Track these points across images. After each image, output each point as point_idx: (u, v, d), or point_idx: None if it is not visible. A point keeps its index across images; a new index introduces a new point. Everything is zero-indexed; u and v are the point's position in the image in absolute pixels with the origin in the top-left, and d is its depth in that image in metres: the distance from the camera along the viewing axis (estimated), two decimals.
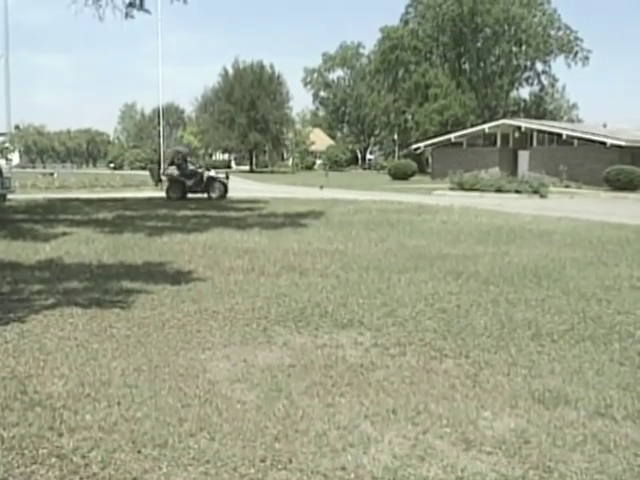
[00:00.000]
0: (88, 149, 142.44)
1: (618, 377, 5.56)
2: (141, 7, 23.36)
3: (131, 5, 23.13)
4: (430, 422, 4.63)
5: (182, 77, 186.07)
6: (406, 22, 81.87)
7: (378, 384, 5.33)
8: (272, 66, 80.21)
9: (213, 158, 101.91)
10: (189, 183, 27.94)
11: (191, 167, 29.40)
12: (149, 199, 27.45)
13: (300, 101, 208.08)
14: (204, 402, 4.93)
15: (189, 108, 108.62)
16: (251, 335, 6.71)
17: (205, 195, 28.08)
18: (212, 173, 29.48)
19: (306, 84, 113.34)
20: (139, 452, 4.16)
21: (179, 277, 9.74)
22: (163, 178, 29.01)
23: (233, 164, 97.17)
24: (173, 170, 28.35)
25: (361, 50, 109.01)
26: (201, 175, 28.49)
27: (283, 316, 7.42)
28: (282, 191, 34.97)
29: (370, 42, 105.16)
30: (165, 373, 5.55)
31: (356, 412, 4.79)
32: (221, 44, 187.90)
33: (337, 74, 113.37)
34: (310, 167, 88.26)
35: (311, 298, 8.32)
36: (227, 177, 29.39)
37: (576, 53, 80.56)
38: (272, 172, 78.26)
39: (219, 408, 4.82)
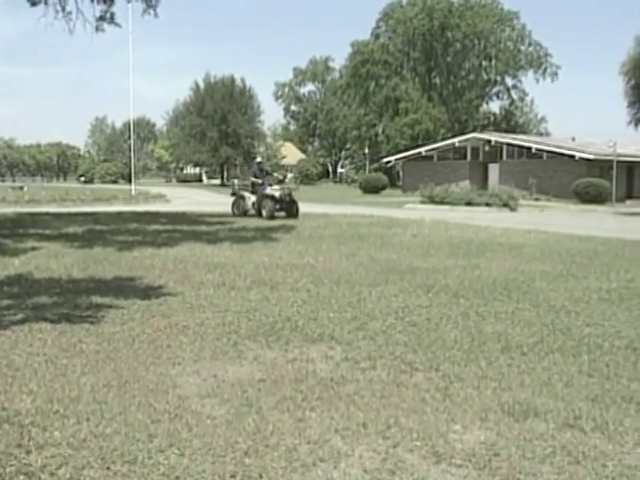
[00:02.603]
0: (59, 163, 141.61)
1: (587, 389, 5.60)
2: (111, 21, 23.36)
3: (101, 19, 23.09)
4: (400, 436, 4.63)
5: (153, 91, 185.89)
6: (377, 36, 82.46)
7: (348, 398, 5.33)
8: (243, 80, 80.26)
9: (184, 172, 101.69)
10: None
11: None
12: (119, 213, 27.26)
13: (271, 115, 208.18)
14: (174, 418, 4.90)
15: (160, 122, 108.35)
16: (221, 350, 6.68)
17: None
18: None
19: (277, 98, 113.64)
20: (108, 469, 4.12)
21: (149, 292, 9.68)
22: (247, 195, 25.24)
23: (204, 178, 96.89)
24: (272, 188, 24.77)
25: (331, 64, 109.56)
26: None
27: (253, 330, 7.40)
28: None
29: (340, 56, 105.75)
30: (135, 389, 5.51)
31: (326, 426, 4.78)
32: (192, 58, 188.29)
33: (308, 88, 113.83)
34: (281, 181, 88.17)
35: (282, 312, 8.31)
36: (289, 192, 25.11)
37: (545, 69, 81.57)
38: None
39: (189, 423, 4.79)
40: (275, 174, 27.52)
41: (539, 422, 4.90)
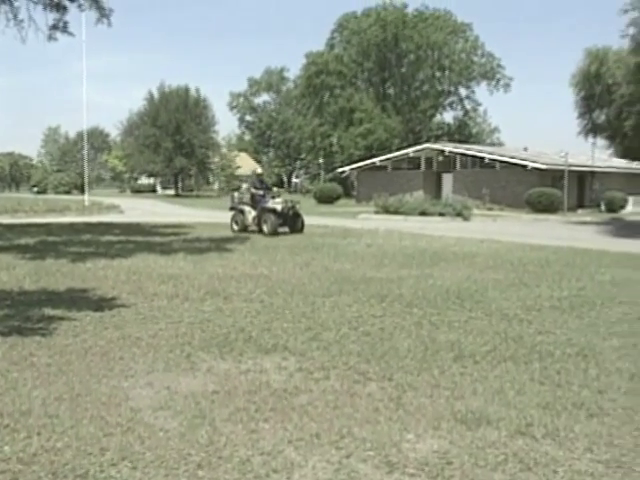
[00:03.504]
0: (11, 173, 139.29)
1: (538, 396, 5.68)
2: (64, 29, 23.05)
3: (54, 27, 22.81)
4: (354, 446, 4.65)
5: (107, 100, 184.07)
6: (331, 47, 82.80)
7: (302, 409, 5.33)
8: (198, 90, 79.99)
9: (138, 182, 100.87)
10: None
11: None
12: (72, 224, 26.92)
13: (226, 125, 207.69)
14: (126, 431, 4.86)
15: (114, 132, 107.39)
16: (174, 361, 6.64)
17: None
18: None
19: (232, 108, 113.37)
20: None
21: (102, 303, 9.58)
22: (247, 210, 23.16)
23: (159, 188, 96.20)
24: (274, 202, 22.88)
25: (286, 74, 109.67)
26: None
27: (207, 342, 7.37)
28: (208, 215, 34.77)
29: (296, 67, 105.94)
30: (87, 402, 5.45)
31: (280, 437, 4.78)
32: (147, 67, 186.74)
33: (263, 98, 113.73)
34: (236, 191, 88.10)
35: (235, 323, 8.29)
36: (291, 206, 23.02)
37: (498, 80, 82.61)
38: (198, 196, 77.79)
39: (141, 436, 4.76)
40: (275, 189, 25.30)
41: (491, 430, 4.95)
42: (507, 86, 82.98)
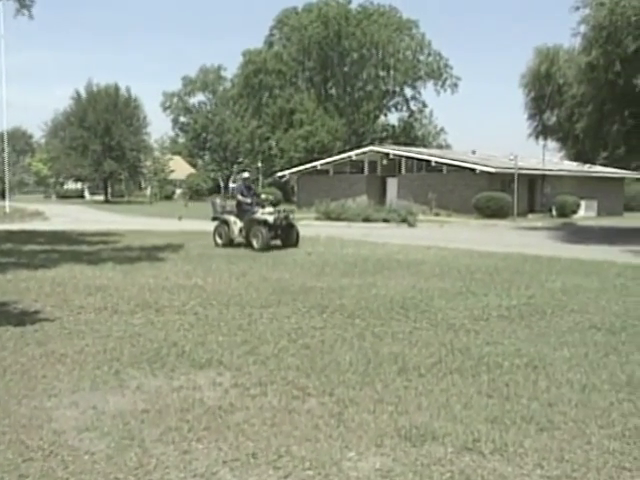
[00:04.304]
0: None
1: (486, 410, 5.74)
2: None
3: None
4: (292, 465, 4.65)
5: (30, 99, 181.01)
6: (270, 44, 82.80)
7: (237, 427, 5.31)
8: (128, 89, 79.09)
9: (65, 187, 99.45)
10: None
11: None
12: None
13: (159, 127, 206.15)
14: (48, 455, 4.78)
15: (38, 133, 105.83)
16: (102, 379, 6.56)
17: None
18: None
19: (165, 109, 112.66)
20: None
21: (24, 318, 9.40)
22: (232, 220, 21.19)
23: (87, 194, 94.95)
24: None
25: (223, 73, 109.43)
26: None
27: (137, 357, 7.30)
28: (139, 223, 34.45)
29: (233, 65, 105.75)
30: (5, 425, 5.34)
31: (214, 458, 4.76)
32: (73, 65, 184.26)
33: (198, 98, 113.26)
34: (169, 197, 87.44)
35: (167, 337, 8.23)
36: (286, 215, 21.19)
37: (445, 80, 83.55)
38: (129, 202, 76.98)
39: (65, 460, 4.69)
40: (263, 195, 22.87)
41: (437, 446, 4.98)
42: (454, 86, 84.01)
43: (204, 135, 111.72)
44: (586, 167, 40.75)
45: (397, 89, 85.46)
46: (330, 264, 15.91)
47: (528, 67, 34.55)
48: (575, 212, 48.07)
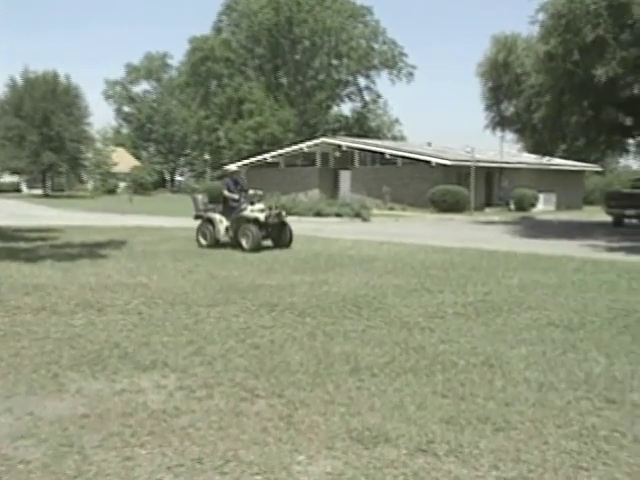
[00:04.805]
0: None
1: (441, 410, 5.77)
2: None
3: None
4: (239, 470, 4.64)
5: None
6: (218, 31, 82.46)
7: (183, 431, 5.29)
8: (68, 77, 78.18)
9: (0, 181, 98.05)
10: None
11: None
12: None
13: (101, 117, 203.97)
14: None
15: None
16: (39, 383, 6.47)
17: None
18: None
19: (108, 98, 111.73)
20: None
21: None
22: (218, 218, 20.02)
23: (24, 187, 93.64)
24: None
25: (169, 61, 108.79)
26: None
27: (77, 360, 7.22)
28: (80, 218, 34.11)
29: (179, 52, 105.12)
30: None
31: (157, 464, 4.73)
32: (7, 49, 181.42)
33: (142, 87, 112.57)
34: (112, 191, 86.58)
35: (109, 338, 8.15)
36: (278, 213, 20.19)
37: (400, 69, 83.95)
38: (69, 196, 76.05)
39: None
40: (251, 191, 21.10)
41: (390, 448, 5.00)
42: (410, 75, 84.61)
43: (149, 126, 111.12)
44: (545, 159, 41.14)
45: (350, 78, 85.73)
46: (280, 261, 15.91)
47: (485, 56, 34.79)
48: (533, 206, 48.58)
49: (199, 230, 20.23)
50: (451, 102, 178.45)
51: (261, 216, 19.22)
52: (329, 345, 7.91)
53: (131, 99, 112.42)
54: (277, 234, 19.76)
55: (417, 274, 13.88)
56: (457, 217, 38.78)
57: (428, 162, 44.75)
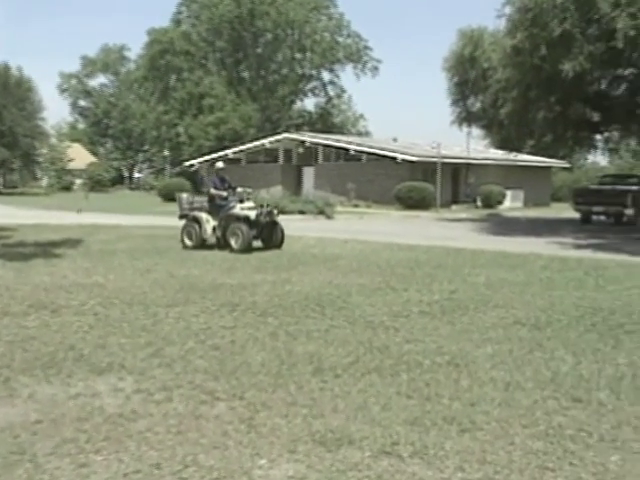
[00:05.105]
0: None
1: (405, 411, 5.79)
2: None
3: None
4: (199, 476, 4.62)
5: None
6: (178, 23, 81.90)
7: (140, 436, 5.25)
8: (20, 69, 77.38)
9: None
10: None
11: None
12: None
13: (56, 112, 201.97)
14: None
15: None
16: None
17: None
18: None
19: (62, 91, 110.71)
20: None
21: None
22: (204, 218, 19.31)
23: None
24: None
25: (126, 54, 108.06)
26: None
27: (30, 363, 7.14)
28: (34, 216, 33.69)
29: (137, 44, 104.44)
30: None
31: (113, 471, 4.69)
32: None
33: (99, 80, 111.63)
34: (68, 188, 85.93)
35: (64, 340, 8.08)
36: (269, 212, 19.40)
37: (365, 63, 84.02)
38: (23, 194, 75.28)
39: None
40: (239, 188, 20.32)
41: (353, 451, 5.01)
42: (375, 70, 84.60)
43: (106, 121, 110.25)
44: (512, 155, 41.47)
45: (314, 73, 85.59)
46: (241, 259, 15.89)
47: (452, 50, 34.90)
48: (501, 203, 48.91)
49: (184, 230, 19.52)
50: (417, 97, 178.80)
51: (252, 214, 18.65)
52: (292, 345, 7.90)
53: (87, 93, 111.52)
54: (268, 234, 19.07)
55: (382, 272, 13.92)
56: (423, 214, 38.93)
57: (393, 158, 44.88)
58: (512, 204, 50.50)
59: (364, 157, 47.30)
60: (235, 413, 5.75)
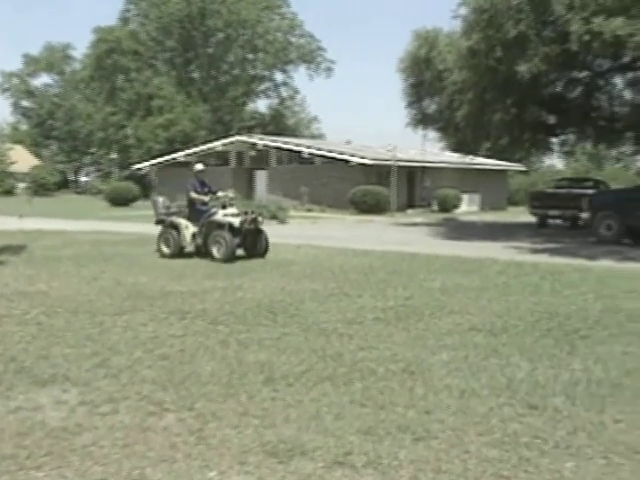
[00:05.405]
0: None
1: (359, 420, 5.80)
2: None
3: None
4: None
5: None
6: (125, 21, 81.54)
7: (84, 450, 5.20)
8: None
9: None
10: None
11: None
12: None
13: None
14: None
15: None
16: None
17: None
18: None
19: (4, 91, 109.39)
20: None
21: None
22: (183, 224, 18.46)
23: None
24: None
25: (72, 52, 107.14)
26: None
27: None
28: None
29: (83, 43, 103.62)
30: None
31: None
32: None
33: (43, 80, 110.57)
34: (10, 192, 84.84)
35: (5, 351, 7.97)
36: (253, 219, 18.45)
37: (319, 63, 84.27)
38: None
39: None
40: (221, 192, 19.30)
41: (306, 462, 5.01)
42: (329, 70, 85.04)
43: (50, 122, 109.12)
44: (468, 158, 41.75)
45: (266, 73, 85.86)
46: (191, 265, 15.84)
47: (407, 51, 35.03)
48: (457, 207, 49.20)
49: (161, 237, 18.66)
50: (372, 99, 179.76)
51: (236, 221, 17.76)
52: (243, 354, 7.88)
53: (30, 93, 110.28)
54: (252, 242, 18.19)
55: (336, 278, 13.94)
56: (378, 219, 39.02)
57: (347, 161, 44.89)
58: (468, 208, 50.83)
59: (318, 160, 47.30)
60: (184, 424, 5.72)
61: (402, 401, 6.29)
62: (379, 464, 4.97)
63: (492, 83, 26.75)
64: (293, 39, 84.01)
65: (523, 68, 23.81)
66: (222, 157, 53.52)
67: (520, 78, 24.27)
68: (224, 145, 52.43)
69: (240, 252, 17.85)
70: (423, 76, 34.45)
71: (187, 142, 65.36)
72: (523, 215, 38.78)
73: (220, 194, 19.07)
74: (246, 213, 18.46)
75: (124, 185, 59.04)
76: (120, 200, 54.56)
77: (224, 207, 18.35)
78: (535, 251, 21.38)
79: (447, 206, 48.28)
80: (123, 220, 35.63)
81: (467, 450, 5.23)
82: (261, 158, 50.80)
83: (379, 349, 8.18)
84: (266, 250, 18.15)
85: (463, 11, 27.01)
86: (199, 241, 18.03)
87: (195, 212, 18.50)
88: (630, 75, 30.39)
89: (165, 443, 5.34)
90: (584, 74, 30.29)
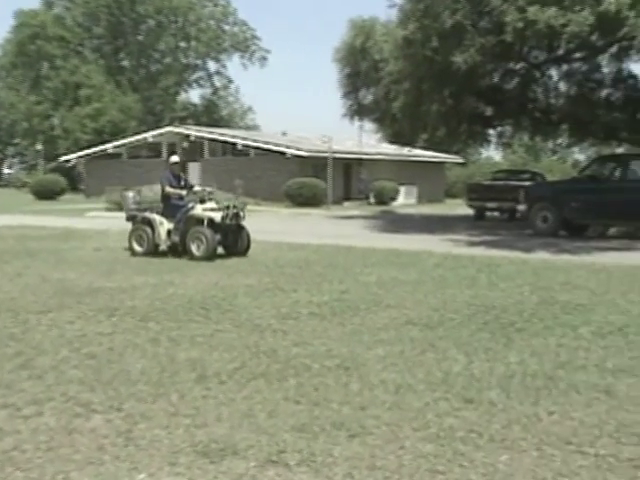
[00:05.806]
0: None
1: (293, 418, 5.81)
2: None
3: None
4: None
5: None
6: (49, 5, 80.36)
7: (5, 455, 5.11)
8: None
9: None
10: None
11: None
12: None
13: None
14: None
15: None
16: None
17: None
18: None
19: None
20: None
21: None
22: (157, 220, 17.52)
23: None
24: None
25: None
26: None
27: None
28: None
29: (2, 28, 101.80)
30: None
31: None
32: None
33: None
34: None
35: None
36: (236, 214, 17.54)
37: (253, 52, 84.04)
38: None
39: None
40: (197, 187, 18.67)
41: (238, 461, 5.00)
42: (263, 60, 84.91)
43: None
44: (405, 150, 42.03)
45: (199, 62, 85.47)
46: (121, 261, 15.72)
47: (343, 41, 35.14)
48: (394, 199, 49.47)
49: (133, 234, 17.78)
50: (308, 89, 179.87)
51: (217, 217, 16.88)
52: (174, 351, 7.84)
53: None
54: (233, 239, 17.38)
55: (270, 273, 13.95)
56: (314, 212, 39.07)
57: (283, 153, 44.89)
58: (406, 200, 51.11)
59: (252, 152, 47.22)
60: (112, 426, 5.67)
61: (337, 397, 6.31)
62: (313, 462, 4.98)
63: (429, 73, 26.89)
64: (227, 27, 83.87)
65: (459, 59, 23.98)
66: (154, 149, 53.08)
67: (456, 69, 24.42)
68: (155, 136, 52.01)
69: (220, 250, 17.16)
70: (359, 66, 34.59)
71: (116, 133, 64.73)
72: (461, 207, 39.16)
73: (197, 188, 18.37)
74: (227, 207, 17.48)
75: (50, 178, 58.22)
76: (46, 193, 53.85)
77: (202, 201, 17.39)
78: (472, 244, 21.62)
79: (384, 199, 48.52)
80: (49, 214, 35.25)
81: (402, 446, 5.26)
82: (194, 150, 50.50)
83: (314, 345, 8.19)
84: (248, 248, 17.46)
85: (399, 0, 27.13)
86: (176, 238, 17.11)
87: (170, 207, 17.52)
88: (565, 67, 30.93)
89: (92, 445, 5.28)
90: (520, 65, 30.68)
